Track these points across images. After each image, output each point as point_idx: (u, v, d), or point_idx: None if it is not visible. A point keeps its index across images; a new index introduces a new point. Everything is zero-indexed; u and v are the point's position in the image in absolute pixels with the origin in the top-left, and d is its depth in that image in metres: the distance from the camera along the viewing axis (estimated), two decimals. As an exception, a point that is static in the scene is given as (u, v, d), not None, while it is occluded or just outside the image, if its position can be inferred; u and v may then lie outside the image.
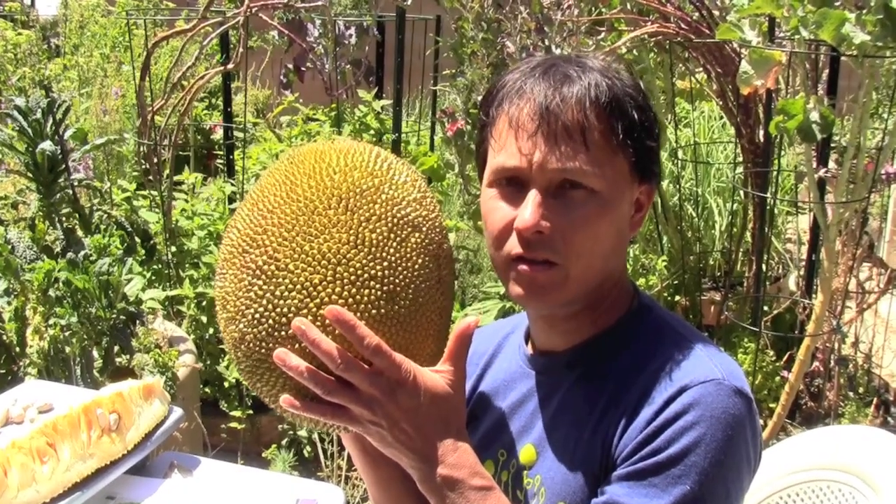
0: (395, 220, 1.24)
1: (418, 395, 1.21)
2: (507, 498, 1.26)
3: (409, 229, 1.25)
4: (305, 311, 1.18)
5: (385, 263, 1.21)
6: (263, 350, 1.21)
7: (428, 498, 1.25)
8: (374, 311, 1.20)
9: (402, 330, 1.22)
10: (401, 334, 1.22)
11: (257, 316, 1.20)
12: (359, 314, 1.18)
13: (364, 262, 1.20)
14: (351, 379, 1.18)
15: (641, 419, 1.25)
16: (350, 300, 1.19)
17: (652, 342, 1.33)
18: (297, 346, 1.19)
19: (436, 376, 1.24)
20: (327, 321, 1.17)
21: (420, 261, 1.24)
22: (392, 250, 1.22)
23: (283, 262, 1.20)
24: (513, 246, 1.30)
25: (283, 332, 1.19)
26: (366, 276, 1.20)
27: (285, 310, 1.19)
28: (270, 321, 1.19)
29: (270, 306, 1.19)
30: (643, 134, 1.32)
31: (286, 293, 1.19)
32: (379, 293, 1.20)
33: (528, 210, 1.27)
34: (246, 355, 1.24)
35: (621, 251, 1.38)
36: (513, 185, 1.31)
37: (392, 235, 1.23)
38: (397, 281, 1.22)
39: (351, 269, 1.19)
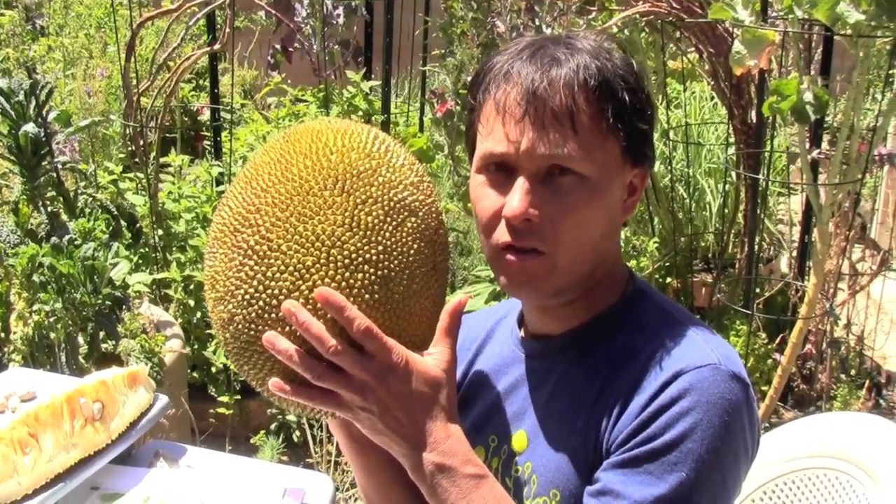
0: (392, 204, 1.22)
1: (410, 380, 1.19)
2: (499, 484, 1.23)
3: (406, 213, 1.22)
4: (297, 293, 1.16)
5: (380, 248, 1.19)
6: (252, 332, 1.19)
7: (419, 486, 1.22)
8: (367, 296, 1.18)
9: (394, 316, 1.20)
10: (393, 320, 1.20)
11: (247, 297, 1.18)
12: (351, 299, 1.16)
13: (358, 245, 1.18)
14: (341, 363, 1.16)
15: (636, 405, 1.23)
16: (343, 284, 1.17)
17: (646, 326, 1.31)
18: (287, 329, 1.17)
19: (428, 360, 1.22)
20: (319, 305, 1.15)
21: (416, 246, 1.22)
22: (387, 234, 1.20)
23: (276, 242, 1.17)
24: (501, 234, 1.28)
25: (273, 315, 1.17)
26: (360, 259, 1.17)
27: (276, 291, 1.17)
28: (261, 303, 1.17)
29: (261, 287, 1.17)
30: (634, 117, 1.28)
31: (278, 274, 1.17)
32: (373, 277, 1.18)
33: (516, 198, 1.25)
34: (234, 337, 1.21)
35: (612, 236, 1.35)
36: (501, 171, 1.28)
37: (388, 219, 1.21)
38: (392, 266, 1.19)
39: (345, 253, 1.17)
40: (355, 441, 1.38)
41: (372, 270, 1.18)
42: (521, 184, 1.25)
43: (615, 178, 1.29)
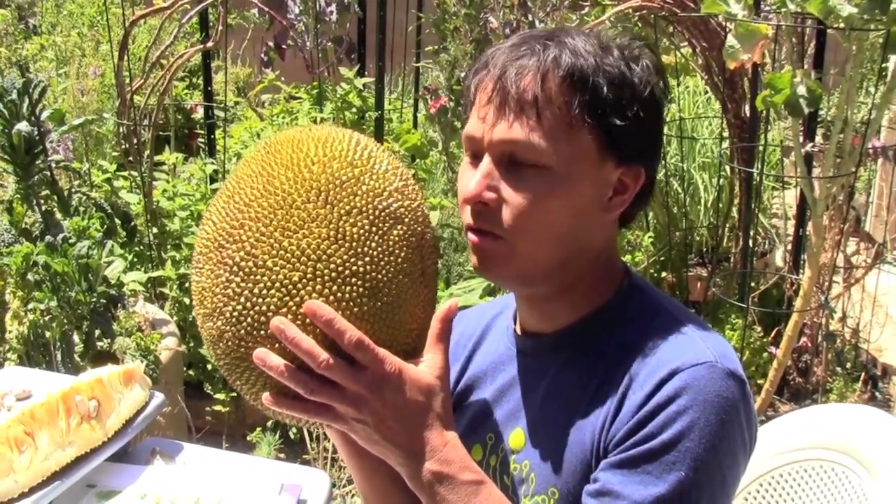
0: (377, 213, 1.20)
1: (404, 389, 1.18)
2: (498, 489, 1.23)
3: (391, 222, 1.21)
4: (285, 309, 1.15)
5: (367, 259, 1.18)
6: (243, 349, 1.18)
7: (418, 495, 1.22)
8: (356, 309, 1.17)
9: (385, 326, 1.20)
10: (384, 330, 1.20)
11: (235, 314, 1.17)
12: (340, 312, 1.15)
13: (345, 258, 1.17)
14: (333, 377, 1.15)
15: (632, 403, 1.22)
16: (331, 298, 1.16)
17: (642, 324, 1.30)
18: (277, 345, 1.16)
19: (421, 368, 1.22)
20: (308, 319, 1.15)
21: (403, 254, 1.21)
22: (374, 244, 1.19)
23: (262, 258, 1.16)
24: (467, 216, 1.29)
25: (262, 332, 1.16)
26: (347, 272, 1.16)
27: (264, 308, 1.16)
28: (249, 319, 1.17)
29: (249, 304, 1.16)
30: (611, 111, 1.25)
31: (265, 291, 1.16)
32: (361, 290, 1.17)
33: (474, 179, 1.26)
34: (225, 353, 1.21)
35: (585, 231, 1.30)
36: (477, 156, 1.30)
37: (374, 229, 1.19)
38: (379, 277, 1.18)
39: (331, 266, 1.16)
40: (351, 444, 1.36)
41: (360, 283, 1.17)
42: (482, 166, 1.26)
43: (586, 172, 1.26)
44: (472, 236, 1.29)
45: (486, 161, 1.26)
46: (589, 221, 1.31)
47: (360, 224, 1.19)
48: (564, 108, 1.24)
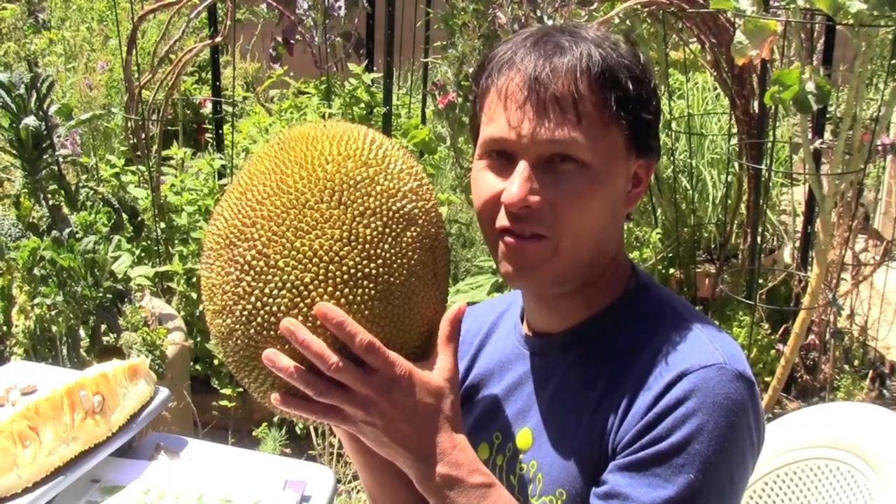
0: (391, 215, 1.19)
1: (414, 392, 1.18)
2: (507, 492, 1.23)
3: (405, 223, 1.20)
4: (296, 311, 1.15)
5: (379, 261, 1.17)
6: (252, 348, 1.17)
7: (427, 497, 1.22)
8: (367, 312, 1.16)
9: (396, 329, 1.19)
10: (395, 333, 1.19)
11: (245, 313, 1.16)
12: (351, 314, 1.14)
13: (357, 260, 1.16)
14: (343, 380, 1.15)
15: (641, 405, 1.22)
16: (343, 300, 1.15)
17: (650, 323, 1.30)
18: (287, 345, 1.15)
19: (431, 372, 1.21)
20: (318, 321, 1.14)
21: (416, 256, 1.20)
22: (387, 247, 1.18)
23: (273, 258, 1.15)
24: (500, 220, 1.27)
25: (272, 332, 1.15)
26: (359, 275, 1.15)
27: (275, 309, 1.15)
28: (259, 319, 1.16)
29: (259, 304, 1.15)
30: (638, 106, 1.27)
31: (276, 291, 1.15)
32: (373, 292, 1.16)
33: (516, 184, 1.23)
34: (234, 351, 1.20)
35: (615, 228, 1.34)
36: (503, 157, 1.27)
37: (387, 231, 1.18)
38: (392, 279, 1.17)
39: (344, 268, 1.15)
40: (357, 441, 1.36)
41: (372, 286, 1.16)
42: (521, 170, 1.24)
43: (619, 168, 1.28)
44: (509, 240, 1.26)
45: (524, 165, 1.24)
46: (618, 218, 1.33)
47: (373, 226, 1.17)
48: (601, 105, 1.24)
